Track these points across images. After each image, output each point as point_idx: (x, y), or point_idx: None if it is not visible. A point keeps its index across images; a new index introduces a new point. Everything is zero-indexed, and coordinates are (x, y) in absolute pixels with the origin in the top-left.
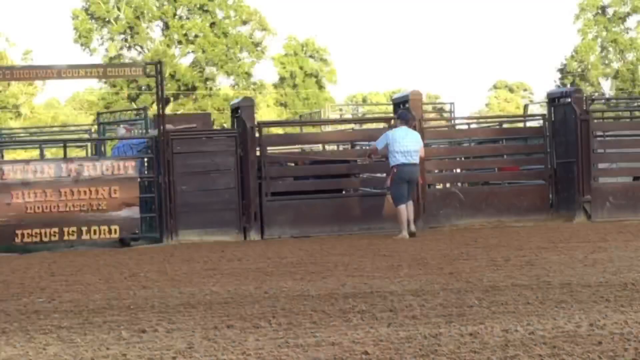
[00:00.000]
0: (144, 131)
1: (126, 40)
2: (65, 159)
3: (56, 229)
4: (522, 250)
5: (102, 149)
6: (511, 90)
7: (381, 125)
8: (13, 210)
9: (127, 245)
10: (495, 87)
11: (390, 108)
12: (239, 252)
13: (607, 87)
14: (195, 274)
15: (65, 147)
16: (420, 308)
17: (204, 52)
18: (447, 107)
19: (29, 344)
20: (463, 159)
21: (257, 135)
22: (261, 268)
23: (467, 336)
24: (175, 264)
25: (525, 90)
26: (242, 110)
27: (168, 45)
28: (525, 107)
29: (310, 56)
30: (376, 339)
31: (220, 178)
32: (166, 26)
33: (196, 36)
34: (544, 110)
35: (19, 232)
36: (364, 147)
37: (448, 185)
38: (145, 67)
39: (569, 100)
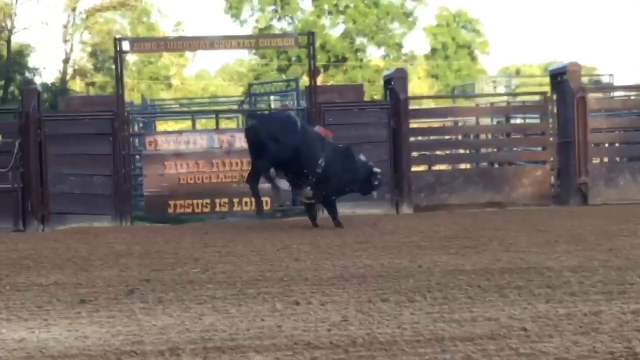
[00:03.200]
0: (296, 102)
1: (276, 11)
2: (217, 130)
3: (208, 200)
4: None
5: None
6: None
7: (536, 97)
8: (166, 181)
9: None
10: None
11: (545, 80)
12: (391, 225)
13: None
14: (347, 247)
15: (217, 118)
16: (579, 285)
17: (354, 22)
18: (605, 79)
19: (185, 314)
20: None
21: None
22: (414, 242)
23: (630, 314)
24: (327, 236)
25: None
26: (394, 82)
27: (318, 16)
28: None
29: (463, 27)
30: (534, 315)
31: (373, 150)
32: None
33: (347, 6)
34: None
35: (171, 202)
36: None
37: (606, 159)
38: (297, 37)
39: None
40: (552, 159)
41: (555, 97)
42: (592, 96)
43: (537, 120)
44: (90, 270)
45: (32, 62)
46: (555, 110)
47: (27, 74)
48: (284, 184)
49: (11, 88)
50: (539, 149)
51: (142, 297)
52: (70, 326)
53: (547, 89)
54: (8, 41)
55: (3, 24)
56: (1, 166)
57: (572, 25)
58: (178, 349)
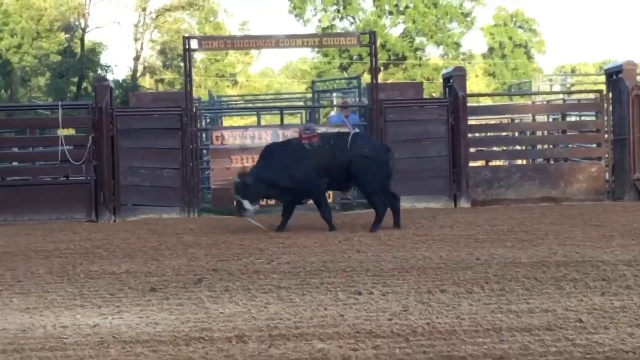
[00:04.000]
0: (358, 100)
1: (338, 11)
2: (282, 125)
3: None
4: None
5: (317, 116)
6: None
7: (591, 95)
8: (232, 175)
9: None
10: None
11: (600, 78)
12: (449, 219)
13: None
14: (407, 239)
15: (282, 114)
16: (634, 278)
17: (414, 22)
18: None
19: (251, 302)
20: None
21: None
22: (472, 235)
23: None
24: (387, 229)
25: None
26: (453, 80)
27: (379, 16)
28: None
29: (520, 26)
30: (590, 308)
31: (432, 146)
32: None
33: (407, 7)
34: None
35: None
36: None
37: None
38: (359, 36)
39: None
40: (607, 156)
41: (610, 95)
42: None
43: (593, 118)
44: (160, 260)
45: (104, 59)
46: (610, 108)
47: (99, 71)
48: None
49: (84, 85)
50: (594, 145)
51: (209, 285)
52: (141, 313)
53: (603, 87)
54: (82, 40)
55: (77, 23)
56: (75, 159)
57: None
58: (244, 335)
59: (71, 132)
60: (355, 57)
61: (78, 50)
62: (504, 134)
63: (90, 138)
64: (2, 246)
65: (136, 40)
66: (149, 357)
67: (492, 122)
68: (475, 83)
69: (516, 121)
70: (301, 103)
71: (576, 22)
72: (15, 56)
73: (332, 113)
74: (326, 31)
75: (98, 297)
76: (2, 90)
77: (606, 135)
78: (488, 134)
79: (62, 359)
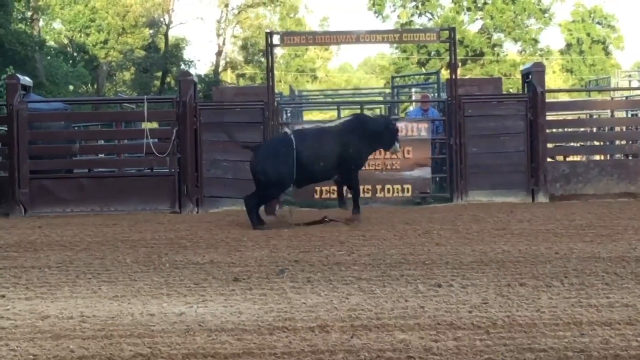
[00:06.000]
0: (437, 95)
1: (417, 7)
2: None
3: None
4: None
5: (396, 111)
6: None
7: None
8: None
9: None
10: None
11: None
12: (527, 213)
13: None
14: (486, 233)
15: (362, 108)
16: None
17: (492, 18)
18: None
19: (333, 293)
20: None
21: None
22: (550, 229)
23: None
24: (466, 222)
25: None
26: (532, 75)
27: (457, 12)
28: None
29: (598, 22)
30: None
31: (510, 141)
32: None
33: (485, 3)
34: None
35: (317, 188)
36: None
37: None
38: (439, 32)
39: None
40: None
41: None
42: None
43: None
44: (242, 251)
45: (187, 55)
46: None
47: (182, 66)
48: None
49: (168, 79)
50: None
51: (292, 276)
52: (226, 302)
53: None
54: (166, 35)
55: (161, 19)
56: (160, 152)
57: None
58: (327, 326)
59: (155, 125)
60: (433, 53)
61: (162, 45)
62: (582, 129)
63: (174, 131)
64: (90, 235)
65: (218, 35)
66: (234, 346)
67: (570, 117)
68: (553, 79)
69: (594, 117)
70: (380, 98)
71: None
72: (101, 51)
73: (411, 108)
74: (405, 27)
75: (183, 286)
76: (89, 84)
77: None
78: (566, 129)
79: (150, 345)
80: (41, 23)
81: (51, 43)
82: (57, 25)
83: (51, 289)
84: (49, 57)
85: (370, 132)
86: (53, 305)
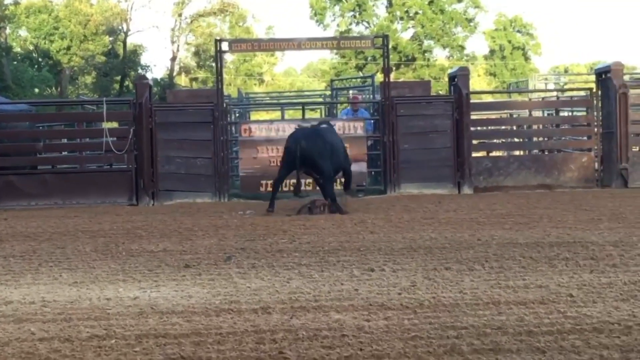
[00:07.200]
0: (372, 96)
1: (355, 16)
2: (303, 119)
3: (294, 181)
4: None
5: (334, 111)
6: None
7: (582, 93)
8: (258, 163)
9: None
10: None
11: (591, 78)
12: (453, 203)
13: None
14: (416, 222)
15: (303, 109)
16: (620, 257)
17: (422, 27)
18: None
19: (275, 278)
20: None
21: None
22: (474, 218)
23: None
24: (398, 212)
25: None
26: (458, 79)
27: (391, 21)
28: None
29: (518, 31)
30: (580, 284)
31: (438, 138)
32: (390, 4)
33: (416, 13)
34: None
35: (263, 182)
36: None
37: None
38: (373, 40)
39: None
40: (596, 147)
41: (600, 92)
42: (633, 92)
43: (584, 113)
44: (193, 240)
45: (144, 60)
46: (599, 105)
47: (139, 71)
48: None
49: (126, 82)
50: (585, 138)
51: (238, 263)
52: (177, 287)
53: (593, 85)
54: (124, 42)
55: (120, 27)
56: (118, 149)
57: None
58: (269, 307)
59: (114, 125)
60: (369, 58)
61: (121, 51)
62: (503, 127)
63: (131, 130)
64: (53, 227)
65: (173, 42)
66: (183, 327)
67: (493, 117)
68: (478, 82)
69: (514, 116)
70: (321, 99)
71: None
72: (64, 57)
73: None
74: (343, 35)
75: (138, 272)
76: (53, 87)
77: (596, 129)
78: (489, 127)
79: (106, 327)
80: (8, 30)
81: (17, 49)
82: (23, 32)
83: (15, 276)
84: (15, 62)
85: None
86: (16, 291)
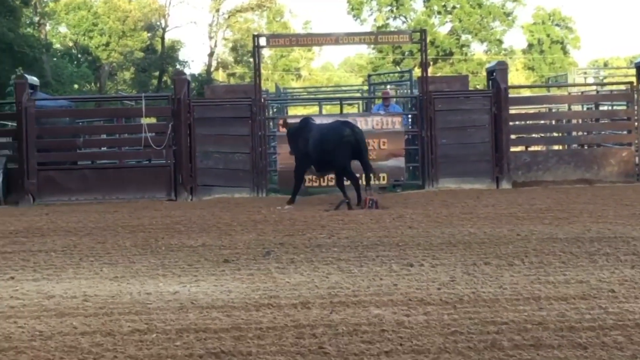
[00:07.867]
0: (409, 91)
1: (392, 11)
2: (341, 114)
3: (333, 175)
4: None
5: (372, 106)
6: None
7: (622, 87)
8: None
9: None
10: None
11: (631, 71)
12: (492, 198)
13: None
14: (454, 217)
15: (341, 104)
16: None
17: (460, 21)
18: None
19: (314, 273)
20: None
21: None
22: (513, 213)
23: None
24: (436, 207)
25: None
26: (496, 73)
27: (429, 16)
28: None
29: (557, 24)
30: (621, 279)
31: (476, 133)
32: None
33: (454, 7)
34: None
35: None
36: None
37: None
38: (411, 34)
39: None
40: (636, 141)
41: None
42: None
43: (623, 107)
44: (232, 235)
45: (182, 56)
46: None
47: (178, 66)
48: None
49: (164, 78)
50: (625, 132)
51: (277, 258)
52: (216, 282)
53: (633, 79)
54: (162, 38)
55: (158, 23)
56: (157, 145)
57: None
58: (308, 302)
59: (153, 120)
60: (407, 53)
61: (159, 47)
62: (542, 122)
63: (170, 126)
64: (93, 222)
65: (210, 38)
66: (223, 321)
67: (532, 111)
68: (516, 76)
69: (553, 110)
70: (358, 94)
71: (609, 19)
72: (103, 53)
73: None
74: (381, 30)
75: (177, 267)
76: (92, 83)
77: (636, 123)
78: (527, 122)
79: (147, 322)
80: (48, 27)
81: (57, 46)
82: (62, 29)
83: (56, 270)
84: (55, 59)
85: None
86: (58, 285)
